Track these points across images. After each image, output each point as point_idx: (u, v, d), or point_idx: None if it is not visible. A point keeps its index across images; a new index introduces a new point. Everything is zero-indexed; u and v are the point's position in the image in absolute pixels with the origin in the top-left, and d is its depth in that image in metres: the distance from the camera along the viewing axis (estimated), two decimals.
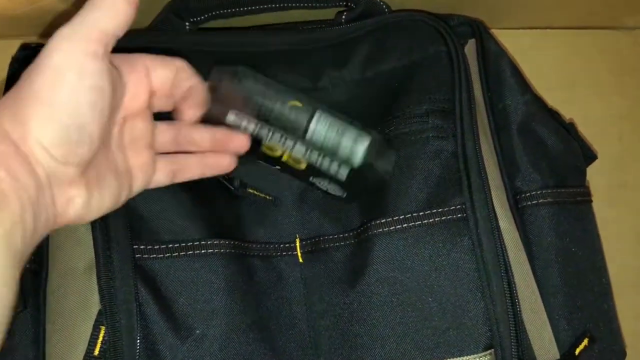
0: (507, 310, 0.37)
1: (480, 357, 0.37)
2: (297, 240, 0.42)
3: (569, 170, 0.44)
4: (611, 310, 0.43)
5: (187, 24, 0.44)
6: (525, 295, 0.39)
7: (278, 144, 0.38)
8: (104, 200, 0.31)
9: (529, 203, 0.43)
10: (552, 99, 0.53)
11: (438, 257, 0.38)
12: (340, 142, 0.38)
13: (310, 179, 0.40)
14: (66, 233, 0.37)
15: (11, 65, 0.44)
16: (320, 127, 0.38)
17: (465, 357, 0.37)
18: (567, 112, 0.54)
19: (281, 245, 0.42)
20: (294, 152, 0.38)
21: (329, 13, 0.47)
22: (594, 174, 0.54)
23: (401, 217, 0.39)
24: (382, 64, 0.44)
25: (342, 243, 0.41)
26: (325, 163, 0.38)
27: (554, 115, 0.47)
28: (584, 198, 0.45)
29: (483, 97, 0.45)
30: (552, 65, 0.58)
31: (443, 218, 0.39)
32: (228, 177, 0.41)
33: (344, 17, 0.45)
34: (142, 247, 0.37)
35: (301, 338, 0.40)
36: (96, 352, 0.35)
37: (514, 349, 0.36)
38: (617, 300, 0.50)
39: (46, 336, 0.36)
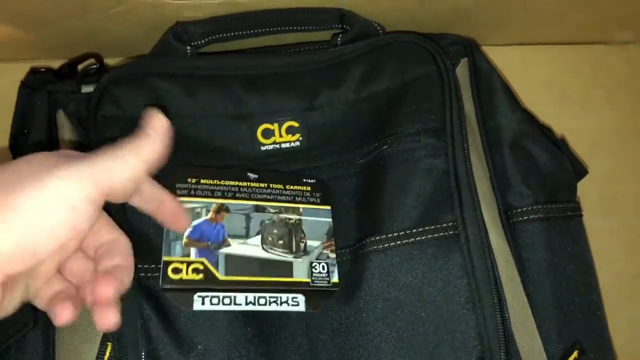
0: (497, 324, 0.38)
1: None
2: None
3: (560, 186, 0.46)
4: (602, 322, 0.44)
5: (188, 48, 0.46)
6: (516, 309, 0.40)
7: None
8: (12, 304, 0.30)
9: (521, 219, 0.44)
10: (545, 114, 0.54)
11: (431, 273, 0.39)
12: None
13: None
14: None
15: (20, 89, 0.46)
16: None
17: None
18: (560, 126, 0.55)
19: None
20: None
21: (325, 35, 0.49)
22: (587, 186, 0.55)
23: (395, 234, 0.40)
24: (376, 84, 0.45)
25: (339, 259, 0.42)
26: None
27: (545, 131, 0.48)
28: (575, 213, 0.46)
29: (475, 115, 0.46)
30: (545, 80, 0.59)
31: (435, 235, 0.40)
32: None
33: (339, 39, 0.47)
34: (146, 266, 0.39)
35: (300, 351, 0.41)
36: None
37: None
38: (611, 309, 0.51)
39: (55, 353, 0.37)
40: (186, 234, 0.39)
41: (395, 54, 0.45)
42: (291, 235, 0.42)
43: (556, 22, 0.56)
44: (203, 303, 0.38)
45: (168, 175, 0.40)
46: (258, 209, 0.42)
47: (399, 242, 0.40)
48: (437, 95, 0.43)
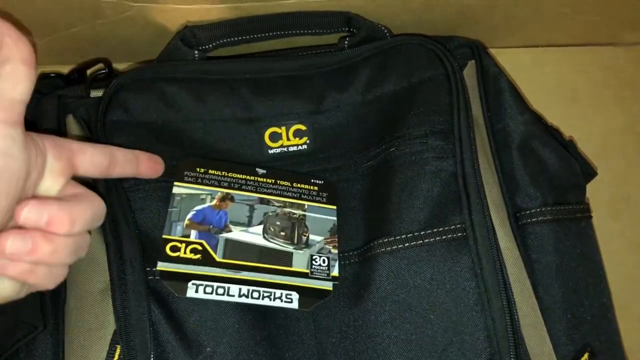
0: (506, 327, 0.38)
1: None
2: None
3: (569, 188, 0.45)
4: (612, 324, 0.44)
5: (196, 52, 0.46)
6: (525, 311, 0.40)
7: None
8: None
9: (529, 220, 0.44)
10: (554, 116, 0.54)
11: (439, 275, 0.39)
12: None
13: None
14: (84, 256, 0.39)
15: (33, 96, 0.46)
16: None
17: None
18: (569, 128, 0.55)
19: None
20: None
21: (332, 38, 0.49)
22: (597, 188, 0.55)
23: (403, 236, 0.40)
24: (383, 87, 0.45)
25: (347, 262, 0.42)
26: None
27: (553, 133, 0.48)
28: (584, 214, 0.45)
29: (483, 117, 0.46)
30: (554, 82, 0.59)
31: (443, 237, 0.40)
32: None
33: (346, 42, 0.47)
34: (154, 269, 0.39)
35: (309, 354, 0.41)
36: None
37: None
38: (624, 311, 0.51)
39: (65, 355, 0.38)
40: (188, 216, 0.40)
41: (402, 57, 0.45)
42: (294, 228, 0.42)
43: (564, 24, 0.55)
44: (197, 291, 0.38)
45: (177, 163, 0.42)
46: (263, 201, 0.42)
47: (407, 244, 0.40)
48: (445, 97, 0.43)
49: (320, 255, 0.42)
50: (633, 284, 0.56)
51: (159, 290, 0.39)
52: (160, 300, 0.38)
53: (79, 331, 0.38)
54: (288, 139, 0.45)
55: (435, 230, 0.40)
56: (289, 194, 0.43)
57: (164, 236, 0.39)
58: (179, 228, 0.39)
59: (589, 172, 0.48)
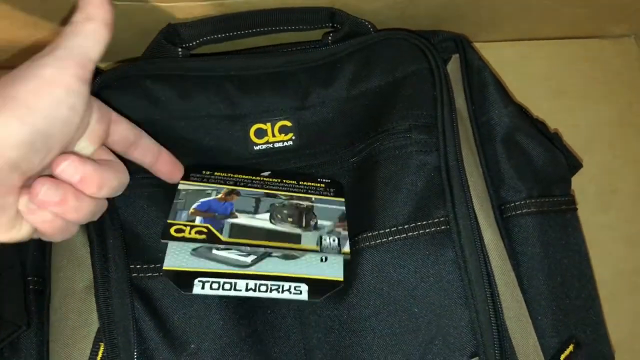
0: (490, 319, 0.38)
1: None
2: None
3: (554, 180, 0.46)
4: (598, 316, 0.44)
5: (179, 50, 0.46)
6: (510, 303, 0.40)
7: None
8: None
9: (514, 213, 0.44)
10: (541, 109, 0.54)
11: (423, 269, 0.39)
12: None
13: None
14: (67, 254, 0.40)
15: None
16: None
17: None
18: (557, 121, 0.55)
19: None
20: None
21: (316, 34, 0.49)
22: (585, 180, 0.55)
23: (387, 230, 0.40)
24: (368, 82, 0.45)
25: None
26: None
27: (538, 125, 0.48)
28: (569, 206, 0.46)
29: (467, 111, 0.46)
30: (540, 76, 0.59)
31: (427, 230, 0.40)
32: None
33: (330, 37, 0.47)
34: (138, 266, 0.39)
35: (295, 350, 0.42)
36: None
37: (497, 356, 0.38)
38: (613, 304, 0.51)
39: (49, 353, 0.38)
40: (194, 205, 0.40)
41: (386, 52, 0.45)
42: (301, 215, 0.42)
43: (550, 17, 0.55)
44: (203, 287, 0.37)
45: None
46: (269, 195, 0.42)
47: (390, 237, 0.40)
48: (428, 91, 0.43)
49: (330, 235, 0.41)
50: (621, 276, 0.56)
51: (143, 288, 0.39)
52: (144, 297, 0.38)
53: (63, 329, 0.38)
54: (273, 136, 0.45)
55: (419, 223, 0.40)
56: (296, 189, 0.43)
57: (168, 221, 0.38)
58: (184, 215, 0.39)
59: (574, 164, 0.48)
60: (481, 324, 0.38)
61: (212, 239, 0.38)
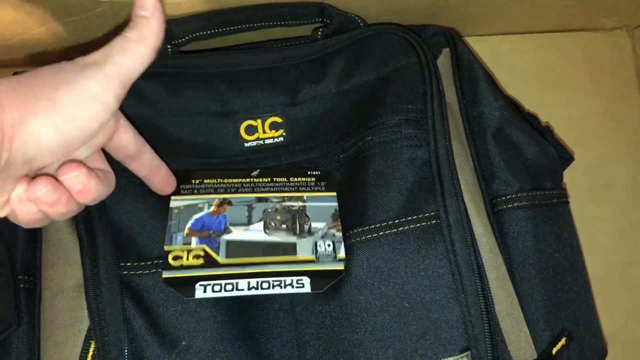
0: (481, 313, 0.38)
1: (457, 359, 0.38)
2: None
3: (545, 173, 0.45)
4: (590, 309, 0.44)
5: (168, 46, 0.46)
6: (501, 297, 0.40)
7: None
8: None
9: (506, 207, 0.44)
10: (534, 102, 0.54)
11: (414, 263, 0.39)
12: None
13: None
14: (57, 253, 0.39)
15: None
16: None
17: (442, 359, 0.38)
18: (549, 114, 0.55)
19: None
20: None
21: (306, 29, 0.49)
22: (577, 173, 0.55)
23: (377, 225, 0.40)
24: (358, 77, 0.45)
25: None
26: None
27: (529, 119, 0.48)
28: (561, 200, 0.45)
29: (458, 105, 0.46)
30: (533, 69, 0.59)
31: (418, 225, 0.40)
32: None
33: (319, 33, 0.47)
34: (129, 264, 0.39)
35: (287, 346, 0.41)
36: None
37: (489, 350, 0.38)
38: (606, 297, 0.51)
39: (40, 352, 0.38)
40: (188, 225, 0.40)
41: (376, 46, 0.45)
42: (294, 220, 0.42)
43: (541, 10, 0.55)
44: (205, 291, 0.38)
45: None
46: (261, 200, 0.42)
47: (381, 232, 0.40)
48: (418, 85, 0.43)
49: (325, 240, 0.41)
50: (614, 269, 0.56)
51: (134, 285, 0.39)
52: (135, 295, 0.38)
53: (54, 328, 0.38)
54: (264, 132, 0.45)
55: (410, 218, 0.40)
56: (286, 188, 0.43)
57: (165, 248, 0.39)
58: (179, 238, 0.39)
59: (566, 158, 0.48)
60: (472, 319, 0.38)
61: (209, 263, 0.39)
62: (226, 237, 0.40)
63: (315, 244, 0.41)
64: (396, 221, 0.40)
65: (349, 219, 0.42)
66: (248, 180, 0.43)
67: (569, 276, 0.43)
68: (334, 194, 0.43)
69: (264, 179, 0.43)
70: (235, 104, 0.45)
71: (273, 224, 0.41)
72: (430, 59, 0.44)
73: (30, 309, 0.39)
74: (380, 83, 0.44)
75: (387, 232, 0.40)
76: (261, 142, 0.45)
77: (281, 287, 0.39)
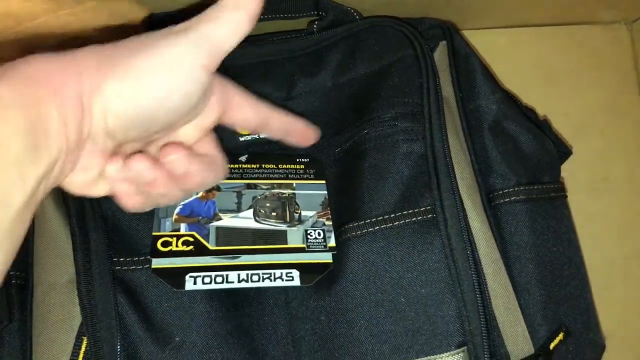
0: (477, 308, 0.38)
1: (453, 354, 0.37)
2: None
3: (543, 167, 0.45)
4: (588, 304, 0.44)
5: None
6: (498, 292, 0.39)
7: None
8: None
9: (503, 200, 0.43)
10: (532, 96, 0.54)
11: (410, 258, 0.39)
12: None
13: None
14: (50, 248, 0.39)
15: None
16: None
17: (438, 355, 0.38)
18: (547, 108, 0.55)
19: None
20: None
21: (302, 23, 0.48)
22: (576, 168, 0.54)
23: (373, 219, 0.40)
24: (354, 70, 0.45)
25: None
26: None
27: (527, 113, 0.47)
28: (558, 194, 0.45)
29: (455, 98, 0.45)
30: (530, 63, 0.58)
31: (414, 219, 0.40)
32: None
33: (315, 26, 0.46)
34: (121, 259, 0.38)
35: (282, 342, 0.41)
36: None
37: (485, 345, 0.37)
38: (604, 292, 0.50)
39: (32, 348, 0.37)
40: (176, 211, 0.40)
41: (372, 39, 0.45)
42: (284, 207, 0.42)
43: (539, 3, 0.55)
44: (195, 283, 0.37)
45: None
46: (250, 186, 0.42)
47: (377, 227, 0.40)
48: (414, 79, 0.43)
49: (315, 228, 0.41)
50: (613, 264, 0.56)
51: (127, 281, 0.38)
52: (128, 290, 0.38)
53: (46, 323, 0.37)
54: None
55: (405, 212, 0.40)
56: (276, 175, 0.43)
57: (153, 233, 0.38)
58: (167, 224, 0.39)
59: (564, 152, 0.48)
60: (469, 313, 0.38)
61: (199, 250, 0.38)
62: (216, 223, 0.40)
63: (306, 232, 0.40)
64: (392, 215, 0.40)
65: (344, 213, 0.41)
66: (236, 165, 0.43)
67: (566, 271, 0.43)
68: (323, 181, 0.43)
69: (253, 165, 0.43)
70: None
71: (263, 211, 0.41)
72: (426, 52, 0.43)
73: (22, 305, 0.39)
74: (376, 76, 0.44)
75: (382, 226, 0.40)
76: (256, 136, 0.45)
77: (271, 280, 0.38)
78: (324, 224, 0.41)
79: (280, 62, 0.45)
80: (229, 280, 0.38)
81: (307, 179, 0.43)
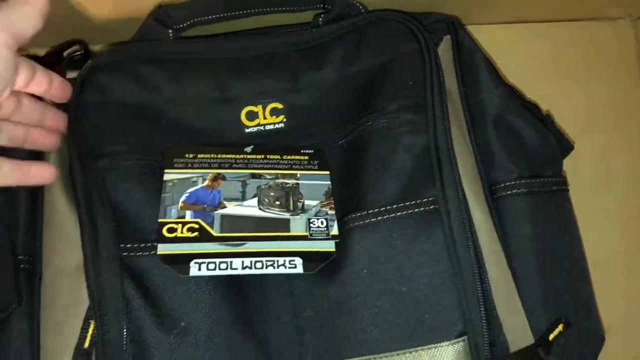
0: (478, 298, 0.38)
1: (453, 344, 0.38)
2: None
3: (545, 161, 0.46)
4: (589, 296, 0.44)
5: (170, 31, 0.46)
6: (499, 283, 0.40)
7: None
8: None
9: (505, 193, 0.44)
10: (537, 91, 0.54)
11: (412, 248, 0.39)
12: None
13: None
14: (59, 234, 0.40)
15: None
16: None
17: (439, 344, 0.38)
18: (551, 104, 0.55)
19: None
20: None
21: (308, 16, 0.49)
22: (580, 163, 0.55)
23: (375, 210, 0.40)
24: (358, 63, 0.45)
25: None
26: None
27: (530, 107, 0.48)
28: (560, 187, 0.45)
29: (458, 92, 0.46)
30: (534, 58, 0.58)
31: (416, 210, 0.40)
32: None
33: (320, 19, 0.47)
34: (129, 245, 0.39)
35: (285, 330, 0.42)
36: (86, 345, 0.37)
37: (485, 335, 0.38)
38: (606, 285, 0.51)
39: (40, 331, 0.38)
40: (182, 198, 0.40)
41: (377, 33, 0.45)
42: (288, 196, 0.42)
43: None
44: (199, 269, 0.38)
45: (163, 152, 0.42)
46: (254, 176, 0.43)
47: (379, 217, 0.40)
48: (418, 72, 0.43)
49: (318, 217, 0.41)
50: (615, 257, 0.56)
51: (134, 267, 0.39)
52: (135, 276, 0.39)
53: (54, 308, 0.38)
54: (265, 118, 0.45)
55: (408, 203, 0.40)
56: (280, 166, 0.44)
57: (159, 220, 0.39)
58: (173, 211, 0.40)
59: (566, 146, 0.48)
60: (469, 304, 0.38)
61: (204, 236, 0.39)
62: (220, 211, 0.40)
63: (309, 220, 0.41)
64: (394, 206, 0.40)
65: (348, 203, 0.42)
66: (242, 156, 0.43)
67: (567, 263, 0.43)
68: (327, 172, 0.44)
69: (258, 156, 0.44)
70: (236, 89, 0.45)
71: (267, 200, 0.42)
72: (430, 45, 0.44)
73: (30, 290, 0.39)
74: (380, 69, 0.44)
75: (385, 217, 0.40)
76: (262, 127, 0.45)
77: (274, 267, 0.39)
78: (327, 213, 0.42)
79: (286, 54, 0.46)
80: (233, 266, 0.39)
81: (311, 169, 0.44)
